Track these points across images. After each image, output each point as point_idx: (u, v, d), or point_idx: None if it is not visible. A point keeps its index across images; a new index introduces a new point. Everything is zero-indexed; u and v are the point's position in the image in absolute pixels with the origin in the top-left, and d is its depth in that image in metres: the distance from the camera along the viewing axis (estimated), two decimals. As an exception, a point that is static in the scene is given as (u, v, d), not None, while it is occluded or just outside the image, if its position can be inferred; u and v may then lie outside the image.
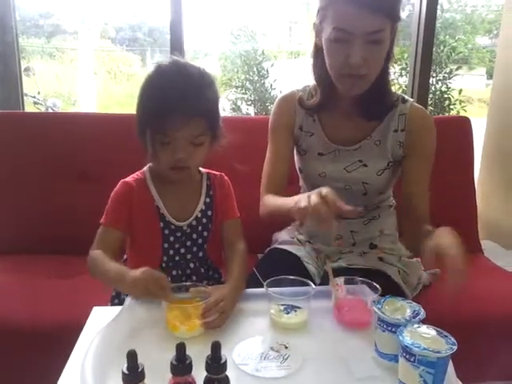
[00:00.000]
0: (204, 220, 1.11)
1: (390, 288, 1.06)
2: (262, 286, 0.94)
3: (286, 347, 0.83)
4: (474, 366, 1.25)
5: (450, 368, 0.74)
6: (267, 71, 4.32)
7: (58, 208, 1.71)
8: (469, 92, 4.94)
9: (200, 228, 1.11)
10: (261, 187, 1.26)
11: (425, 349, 0.69)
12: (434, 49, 2.17)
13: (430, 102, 3.38)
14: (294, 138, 1.27)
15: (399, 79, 3.19)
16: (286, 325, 0.90)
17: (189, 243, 1.11)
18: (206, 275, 1.15)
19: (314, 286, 0.94)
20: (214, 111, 1.06)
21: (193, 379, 0.63)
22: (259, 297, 0.97)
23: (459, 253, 0.88)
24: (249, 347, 0.83)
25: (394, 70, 1.21)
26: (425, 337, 0.72)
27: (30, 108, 3.60)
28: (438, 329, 0.73)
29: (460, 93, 3.50)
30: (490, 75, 5.84)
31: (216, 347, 0.61)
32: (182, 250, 1.10)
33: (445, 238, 0.93)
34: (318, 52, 1.17)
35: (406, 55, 2.98)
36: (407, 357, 0.70)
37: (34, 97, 3.84)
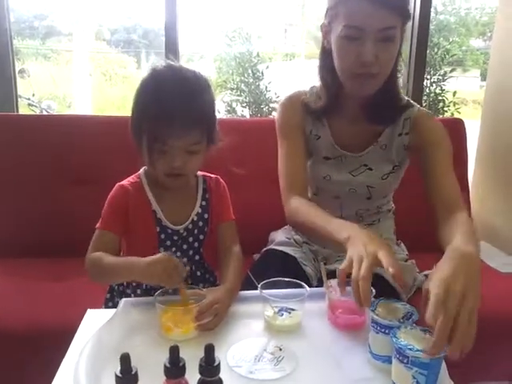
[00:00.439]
0: (200, 223, 1.11)
1: (385, 290, 1.06)
2: (257, 288, 0.94)
3: (280, 349, 0.83)
4: (468, 367, 1.26)
5: (443, 369, 0.74)
6: (262, 73, 4.33)
7: (53, 210, 1.71)
8: (463, 94, 4.97)
9: (196, 231, 1.11)
10: (282, 189, 1.21)
11: (418, 350, 0.69)
12: (428, 51, 2.19)
13: (424, 104, 3.40)
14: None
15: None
16: (280, 327, 0.90)
17: (185, 246, 1.10)
18: (203, 278, 1.15)
19: (308, 288, 0.94)
20: (211, 117, 1.05)
21: (186, 382, 0.62)
22: (253, 299, 0.96)
23: (452, 311, 0.67)
24: (243, 349, 0.83)
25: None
26: (418, 338, 0.72)
27: (24, 110, 3.59)
28: (432, 330, 0.73)
29: (454, 95, 3.52)
30: (483, 77, 5.87)
31: (209, 349, 0.61)
32: (178, 254, 1.10)
33: (436, 282, 0.71)
34: (325, 54, 1.15)
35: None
36: (400, 358, 0.71)
37: (29, 99, 3.83)
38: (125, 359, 0.59)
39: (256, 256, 1.38)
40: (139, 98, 1.03)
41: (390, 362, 0.75)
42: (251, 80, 4.33)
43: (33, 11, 6.01)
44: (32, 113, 3.68)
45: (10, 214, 1.72)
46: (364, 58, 1.04)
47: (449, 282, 0.70)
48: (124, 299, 0.97)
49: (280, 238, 1.37)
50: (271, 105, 4.31)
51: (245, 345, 0.84)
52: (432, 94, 3.70)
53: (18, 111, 2.22)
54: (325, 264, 1.26)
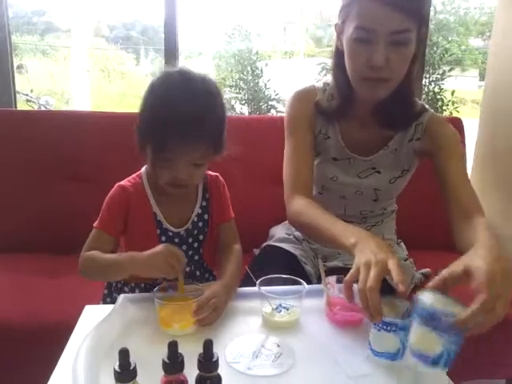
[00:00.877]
0: (200, 224, 1.10)
1: (383, 288, 1.06)
2: (255, 285, 0.94)
3: (279, 346, 0.83)
4: (466, 365, 1.26)
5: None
6: (261, 71, 4.33)
7: (51, 206, 1.70)
8: (462, 93, 4.98)
9: (196, 232, 1.10)
10: (285, 188, 1.16)
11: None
12: (427, 50, 2.19)
13: (423, 103, 3.38)
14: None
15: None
16: (279, 323, 0.91)
17: (184, 247, 1.09)
18: (202, 278, 1.14)
19: (306, 284, 0.94)
20: (220, 132, 1.02)
21: (185, 377, 0.63)
22: (252, 295, 0.97)
23: (496, 293, 0.71)
24: (241, 345, 0.83)
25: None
26: (444, 303, 0.71)
27: (22, 106, 3.58)
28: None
29: (453, 94, 3.52)
30: (482, 77, 5.88)
31: (208, 345, 0.61)
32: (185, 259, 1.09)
33: (483, 262, 0.75)
34: (338, 55, 1.11)
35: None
36: (433, 324, 0.69)
37: (27, 95, 3.83)
38: (123, 354, 0.59)
39: (256, 251, 1.38)
40: (148, 103, 0.99)
41: (392, 359, 0.76)
42: (250, 78, 4.33)
43: (31, 7, 6.00)
44: (30, 109, 3.67)
45: (8, 210, 1.71)
46: (374, 61, 1.00)
47: (494, 267, 0.74)
48: (122, 295, 0.97)
49: (280, 233, 1.36)
50: (270, 102, 4.32)
51: (243, 341, 0.84)
52: (431, 93, 3.70)
53: (16, 107, 2.21)
54: (325, 261, 1.27)
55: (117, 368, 0.59)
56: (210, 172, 1.15)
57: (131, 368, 0.60)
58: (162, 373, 0.62)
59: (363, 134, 1.18)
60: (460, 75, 6.36)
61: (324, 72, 3.86)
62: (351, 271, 0.82)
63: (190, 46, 5.74)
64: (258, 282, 0.93)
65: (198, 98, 0.96)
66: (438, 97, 3.50)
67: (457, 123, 1.87)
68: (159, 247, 0.92)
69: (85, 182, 1.72)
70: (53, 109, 4.06)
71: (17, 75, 2.46)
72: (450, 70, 3.57)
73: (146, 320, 0.90)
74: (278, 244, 1.30)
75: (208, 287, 0.92)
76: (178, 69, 1.01)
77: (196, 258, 1.12)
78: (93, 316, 0.91)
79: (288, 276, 0.97)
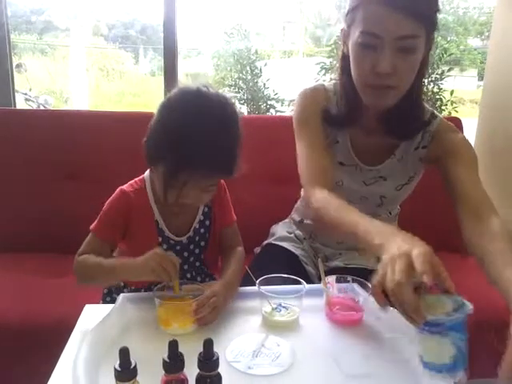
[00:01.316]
0: (202, 230, 1.10)
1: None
2: (255, 284, 0.94)
3: (278, 345, 0.83)
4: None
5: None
6: (260, 70, 4.32)
7: (50, 206, 1.70)
8: (460, 93, 4.99)
9: (197, 238, 1.09)
10: (304, 182, 1.10)
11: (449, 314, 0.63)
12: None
13: (421, 103, 3.37)
14: None
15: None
16: (278, 323, 0.91)
17: (186, 254, 1.09)
18: (202, 283, 1.13)
19: (305, 284, 0.95)
20: (236, 159, 0.97)
21: (185, 376, 0.63)
22: (252, 295, 0.97)
23: None
24: (241, 345, 0.83)
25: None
26: (434, 304, 0.66)
27: (21, 105, 3.57)
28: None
29: (452, 94, 3.52)
30: (481, 77, 5.89)
31: (208, 344, 0.62)
32: (179, 261, 1.09)
33: None
34: (345, 60, 1.07)
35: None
36: (432, 329, 0.64)
37: (26, 94, 3.82)
38: (124, 353, 0.59)
39: (257, 249, 1.38)
40: (162, 125, 0.95)
41: (450, 371, 0.67)
42: (249, 77, 4.32)
43: (30, 6, 5.99)
44: (29, 108, 3.66)
45: (7, 209, 1.71)
46: (380, 68, 0.96)
47: None
48: (122, 294, 0.97)
49: (281, 232, 1.35)
50: (269, 102, 4.31)
51: (243, 340, 0.85)
52: (430, 93, 3.71)
53: (15, 106, 2.21)
54: (325, 262, 1.27)
55: (117, 367, 0.59)
56: None
57: (131, 367, 0.60)
58: (163, 372, 0.62)
59: (370, 141, 1.15)
60: (459, 75, 6.37)
61: (323, 71, 3.86)
62: (378, 273, 0.74)
63: (189, 45, 5.74)
64: (257, 282, 0.93)
65: (216, 131, 0.92)
66: (437, 97, 3.50)
67: (456, 123, 1.87)
68: (152, 252, 0.91)
69: (84, 181, 1.72)
70: (52, 108, 4.06)
71: (16, 74, 2.46)
72: (448, 70, 3.56)
73: (146, 319, 0.90)
74: (279, 243, 1.30)
75: (208, 286, 0.93)
76: (195, 90, 0.96)
77: (197, 264, 1.12)
78: (93, 315, 0.91)
79: (288, 275, 0.97)
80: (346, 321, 0.92)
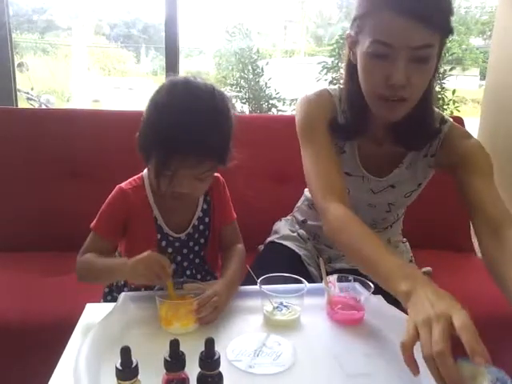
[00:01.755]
0: (201, 227, 1.09)
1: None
2: (256, 283, 0.94)
3: (279, 344, 0.83)
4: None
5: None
6: (262, 69, 4.32)
7: (51, 205, 1.70)
8: (462, 92, 4.98)
9: (197, 236, 1.09)
10: (315, 194, 1.04)
11: None
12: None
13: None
14: None
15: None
16: (280, 322, 0.91)
17: (185, 251, 1.09)
18: (203, 281, 1.13)
19: (307, 283, 0.95)
20: (226, 147, 0.98)
21: (186, 375, 0.63)
22: (253, 294, 0.97)
23: None
24: (242, 344, 0.83)
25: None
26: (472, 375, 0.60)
27: (23, 104, 3.58)
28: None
29: (454, 93, 3.51)
30: (482, 76, 5.88)
31: (210, 344, 0.62)
32: (179, 258, 1.09)
33: None
34: (350, 67, 1.03)
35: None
36: None
37: (28, 93, 3.83)
38: (125, 352, 0.59)
39: (260, 247, 1.38)
40: (151, 118, 0.96)
41: None
42: (251, 76, 4.32)
43: (32, 5, 5.99)
44: (31, 107, 3.67)
45: (8, 208, 1.71)
46: (393, 80, 0.91)
47: None
48: (123, 293, 0.97)
49: (284, 230, 1.34)
50: (271, 101, 4.31)
51: (244, 339, 0.85)
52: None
53: (16, 105, 2.22)
54: (329, 263, 1.27)
55: (118, 366, 0.59)
56: None
57: (133, 366, 0.60)
58: (164, 371, 0.62)
59: (378, 151, 1.12)
60: (461, 74, 6.35)
61: (325, 71, 3.85)
62: (407, 332, 0.67)
63: (191, 45, 5.73)
64: (259, 281, 0.93)
65: (203, 117, 0.92)
66: (439, 96, 3.50)
67: (458, 122, 1.87)
68: (144, 254, 0.90)
69: (86, 180, 1.72)
70: (53, 107, 4.06)
71: (17, 73, 2.47)
72: (450, 70, 3.55)
73: (148, 318, 0.90)
74: (282, 241, 1.29)
75: (209, 286, 0.92)
76: (183, 80, 0.97)
77: (197, 261, 1.12)
78: (94, 314, 0.91)
79: (289, 275, 0.97)
80: (348, 320, 0.92)
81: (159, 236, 1.06)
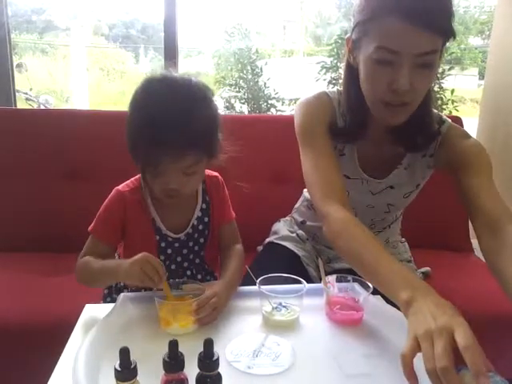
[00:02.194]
0: (201, 227, 1.09)
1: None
2: (255, 284, 0.94)
3: (279, 344, 0.83)
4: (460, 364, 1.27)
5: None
6: (261, 69, 4.32)
7: (50, 206, 1.70)
8: (461, 92, 4.98)
9: (196, 235, 1.09)
10: (316, 197, 1.03)
11: None
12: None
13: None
14: None
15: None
16: (279, 322, 0.91)
17: (185, 251, 1.08)
18: (203, 281, 1.12)
19: (306, 283, 0.95)
20: (210, 136, 0.97)
21: (185, 376, 0.63)
22: (252, 294, 0.97)
23: None
24: (241, 344, 0.83)
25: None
26: None
27: (22, 105, 3.58)
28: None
29: (452, 93, 3.51)
30: (481, 76, 5.88)
31: (208, 344, 0.61)
32: (179, 259, 1.08)
33: None
34: (350, 71, 1.03)
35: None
36: None
37: (26, 93, 3.82)
38: (124, 353, 0.59)
39: (259, 248, 1.38)
40: (131, 116, 0.95)
41: None
42: (250, 76, 4.32)
43: (30, 5, 5.98)
44: (29, 107, 3.66)
45: (7, 209, 1.71)
46: (398, 86, 0.91)
47: None
48: (123, 294, 0.97)
49: (283, 231, 1.34)
50: (270, 101, 4.31)
51: (243, 340, 0.85)
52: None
53: (15, 106, 2.22)
54: (329, 263, 1.27)
55: (117, 367, 0.59)
56: (209, 172, 1.12)
57: (132, 367, 0.60)
58: (163, 371, 0.62)
59: (377, 153, 1.12)
60: (460, 74, 6.36)
61: (324, 71, 3.86)
62: (408, 344, 0.66)
63: (190, 45, 5.73)
64: (258, 281, 0.93)
65: (180, 107, 0.91)
66: (438, 96, 3.50)
67: (457, 122, 1.87)
68: (138, 256, 0.89)
69: (85, 180, 1.72)
70: (52, 107, 4.06)
71: (16, 74, 2.47)
72: (449, 69, 3.56)
73: (147, 319, 0.90)
74: (281, 242, 1.30)
75: (209, 286, 0.92)
76: (160, 75, 0.96)
77: (197, 261, 1.11)
78: (93, 315, 0.91)
79: (288, 275, 0.97)
80: (347, 320, 0.92)
81: (158, 237, 1.05)
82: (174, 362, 0.61)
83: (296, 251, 1.26)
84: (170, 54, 2.22)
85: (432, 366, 0.60)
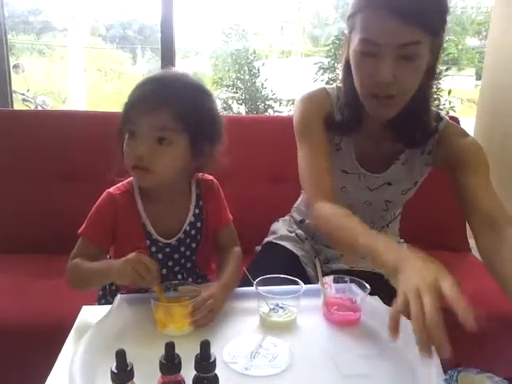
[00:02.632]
0: (193, 232, 1.07)
1: (386, 291, 1.06)
2: (253, 285, 0.94)
3: (276, 346, 0.83)
4: (459, 364, 1.27)
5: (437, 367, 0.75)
6: (258, 70, 4.33)
7: (46, 207, 1.70)
8: (458, 92, 4.99)
9: (188, 240, 1.07)
10: (306, 193, 1.10)
11: None
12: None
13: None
14: None
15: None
16: (276, 323, 0.90)
17: (176, 256, 1.07)
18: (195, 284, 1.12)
19: (303, 284, 0.94)
20: (191, 111, 0.95)
21: (182, 378, 0.62)
22: (249, 295, 0.96)
23: None
24: (238, 346, 0.83)
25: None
26: None
27: (19, 106, 3.57)
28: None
29: (449, 93, 3.52)
30: (478, 76, 5.89)
31: (205, 346, 0.61)
32: (170, 263, 1.07)
33: None
34: (347, 67, 1.04)
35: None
36: None
37: (23, 94, 3.82)
38: (120, 355, 0.59)
39: (258, 248, 1.38)
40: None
41: None
42: (247, 77, 4.32)
43: (27, 6, 5.98)
44: (26, 108, 3.66)
45: (6, 210, 1.71)
46: (380, 77, 0.92)
47: None
48: (119, 295, 0.97)
49: (282, 231, 1.34)
50: (267, 102, 4.31)
51: (240, 341, 0.84)
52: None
53: (12, 107, 2.21)
54: (327, 263, 1.26)
55: (114, 369, 0.59)
56: (204, 176, 1.10)
57: (128, 369, 0.59)
58: (159, 373, 0.62)
59: (375, 148, 1.13)
60: (457, 74, 6.37)
61: (321, 71, 3.86)
62: (397, 301, 0.69)
63: (187, 46, 5.74)
64: (255, 282, 0.93)
65: (170, 76, 0.99)
66: (435, 96, 3.51)
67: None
68: (130, 255, 0.89)
69: (83, 182, 1.71)
70: (49, 108, 4.05)
71: (13, 75, 2.46)
72: (446, 70, 3.56)
73: (143, 321, 0.89)
74: (279, 242, 1.29)
75: (205, 288, 0.92)
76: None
77: (189, 265, 1.10)
78: (90, 316, 0.91)
79: (285, 276, 0.97)
80: (344, 321, 0.92)
81: (148, 242, 1.03)
82: (170, 363, 0.61)
83: (294, 251, 1.25)
84: (168, 54, 2.22)
85: (420, 320, 0.63)
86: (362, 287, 0.93)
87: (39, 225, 1.69)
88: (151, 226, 1.03)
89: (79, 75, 5.78)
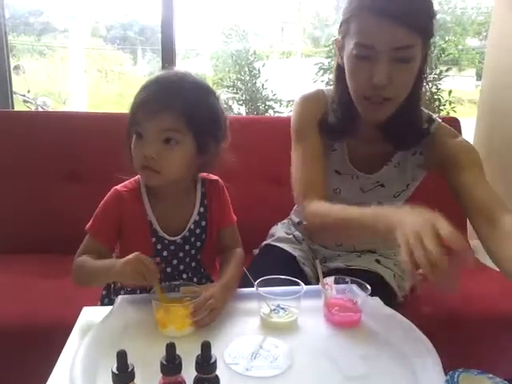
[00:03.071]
0: (198, 230, 1.08)
1: (383, 291, 1.06)
2: (253, 286, 0.94)
3: (277, 346, 0.83)
4: (460, 365, 1.27)
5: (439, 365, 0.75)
6: (259, 71, 4.32)
7: (47, 208, 1.70)
8: (459, 93, 4.99)
9: (193, 239, 1.08)
10: (297, 195, 1.10)
11: None
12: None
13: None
14: None
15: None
16: (277, 324, 0.91)
17: (181, 254, 1.08)
18: (199, 284, 1.12)
19: (304, 285, 0.94)
20: (194, 108, 0.96)
21: (182, 379, 0.62)
22: (250, 296, 0.97)
23: None
24: (239, 347, 0.83)
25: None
26: None
27: (19, 107, 3.57)
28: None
29: (450, 94, 3.51)
30: (479, 76, 5.89)
31: (206, 347, 0.61)
32: (175, 262, 1.08)
33: None
34: (340, 71, 1.07)
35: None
36: None
37: (24, 95, 3.82)
38: (121, 356, 0.59)
39: (255, 251, 1.38)
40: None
41: None
42: (248, 78, 4.32)
43: (28, 7, 5.98)
44: (27, 109, 3.66)
45: (5, 211, 1.71)
46: (375, 80, 0.95)
47: None
48: (121, 296, 0.97)
49: (280, 233, 1.35)
50: (267, 103, 4.31)
51: (241, 342, 0.84)
52: (428, 93, 3.70)
53: (13, 108, 2.21)
54: (325, 263, 1.26)
55: (115, 370, 0.59)
56: (209, 176, 1.12)
57: (129, 370, 0.60)
58: (160, 374, 0.62)
59: (367, 149, 1.15)
60: (457, 75, 6.37)
61: (321, 72, 3.86)
62: (403, 248, 0.73)
63: (188, 46, 5.73)
64: (255, 283, 0.93)
65: (177, 77, 0.99)
66: (435, 97, 3.50)
67: (454, 123, 1.88)
68: (130, 256, 0.90)
69: (83, 182, 1.72)
70: (50, 109, 4.06)
71: (14, 76, 2.46)
72: (447, 70, 3.56)
73: (144, 321, 0.90)
74: (277, 244, 1.30)
75: (206, 289, 0.92)
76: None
77: (193, 264, 1.11)
78: (91, 317, 0.91)
79: (286, 277, 0.97)
80: (345, 322, 0.92)
81: (154, 239, 1.05)
82: (171, 364, 0.61)
83: (291, 251, 1.26)
84: (168, 55, 2.22)
85: (423, 257, 0.68)
86: (363, 288, 0.93)
87: (39, 225, 1.70)
88: (157, 224, 1.04)
89: (80, 76, 5.78)
